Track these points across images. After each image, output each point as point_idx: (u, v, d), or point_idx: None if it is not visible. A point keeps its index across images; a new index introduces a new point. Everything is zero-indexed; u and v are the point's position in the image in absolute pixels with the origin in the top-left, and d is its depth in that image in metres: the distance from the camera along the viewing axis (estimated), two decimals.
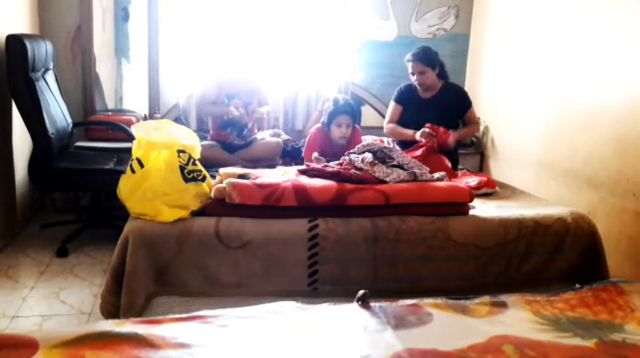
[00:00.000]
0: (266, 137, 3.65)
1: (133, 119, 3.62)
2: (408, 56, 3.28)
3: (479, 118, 4.17)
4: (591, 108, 3.03)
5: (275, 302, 1.44)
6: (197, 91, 3.76)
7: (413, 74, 3.28)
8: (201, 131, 3.54)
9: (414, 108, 3.37)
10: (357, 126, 3.46)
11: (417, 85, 3.32)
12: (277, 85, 4.14)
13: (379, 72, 4.30)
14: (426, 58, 3.24)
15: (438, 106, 3.29)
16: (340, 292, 2.15)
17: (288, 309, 1.41)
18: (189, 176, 2.17)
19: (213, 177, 2.42)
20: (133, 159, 2.16)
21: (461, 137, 3.36)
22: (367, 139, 3.52)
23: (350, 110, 3.28)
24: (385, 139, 3.63)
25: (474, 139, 4.23)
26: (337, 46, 4.20)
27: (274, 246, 2.14)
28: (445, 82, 3.37)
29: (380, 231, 2.21)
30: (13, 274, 2.82)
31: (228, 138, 3.42)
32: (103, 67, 3.93)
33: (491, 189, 2.89)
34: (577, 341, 1.33)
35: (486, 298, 1.53)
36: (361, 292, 1.48)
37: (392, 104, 3.49)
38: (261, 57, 3.77)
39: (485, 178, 2.95)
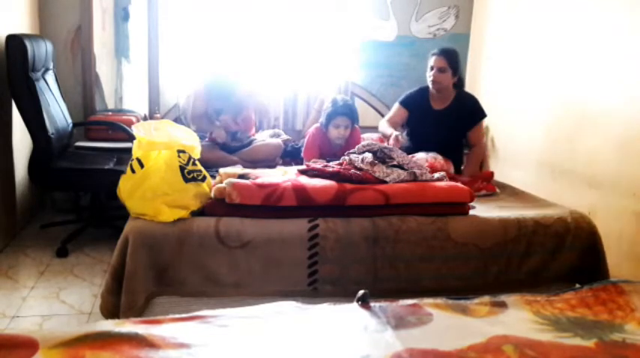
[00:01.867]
0: (266, 138, 3.65)
1: (133, 119, 3.62)
2: (435, 50, 3.14)
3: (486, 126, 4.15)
4: (591, 109, 3.03)
5: (275, 302, 1.44)
6: (184, 105, 3.73)
7: (432, 68, 3.11)
8: (201, 131, 3.53)
9: (422, 117, 3.22)
10: (357, 126, 3.46)
11: (431, 82, 3.13)
12: (274, 86, 4.14)
13: (379, 72, 4.30)
14: (452, 58, 3.10)
15: (448, 120, 3.15)
16: (340, 292, 2.15)
17: (288, 309, 1.41)
18: (189, 176, 2.17)
19: (213, 177, 2.42)
20: (133, 159, 2.16)
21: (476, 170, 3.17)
22: (367, 139, 3.53)
23: (348, 112, 3.27)
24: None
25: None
26: (337, 46, 4.20)
27: (274, 246, 2.14)
28: (459, 91, 3.21)
29: (380, 231, 2.21)
30: (13, 274, 2.82)
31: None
32: (103, 67, 3.93)
33: (491, 192, 2.89)
34: (577, 341, 1.33)
35: (486, 298, 1.53)
36: (361, 292, 1.47)
37: (396, 105, 3.34)
38: (253, 60, 3.73)
39: (487, 176, 2.96)
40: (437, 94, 3.20)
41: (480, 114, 3.23)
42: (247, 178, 2.31)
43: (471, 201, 2.41)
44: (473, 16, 4.36)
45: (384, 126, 3.29)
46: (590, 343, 1.32)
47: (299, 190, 2.22)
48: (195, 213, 2.20)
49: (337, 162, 2.62)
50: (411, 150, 3.10)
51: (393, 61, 4.17)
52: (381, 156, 2.52)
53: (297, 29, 4.14)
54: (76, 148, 3.50)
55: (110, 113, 3.82)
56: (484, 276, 2.31)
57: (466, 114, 3.16)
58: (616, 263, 2.64)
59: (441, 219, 2.30)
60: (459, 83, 3.22)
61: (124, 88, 4.09)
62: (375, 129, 3.81)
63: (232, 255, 2.12)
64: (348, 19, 4.17)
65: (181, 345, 1.19)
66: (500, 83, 4.03)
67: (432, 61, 3.13)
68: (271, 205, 2.19)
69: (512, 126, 3.86)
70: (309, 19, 4.14)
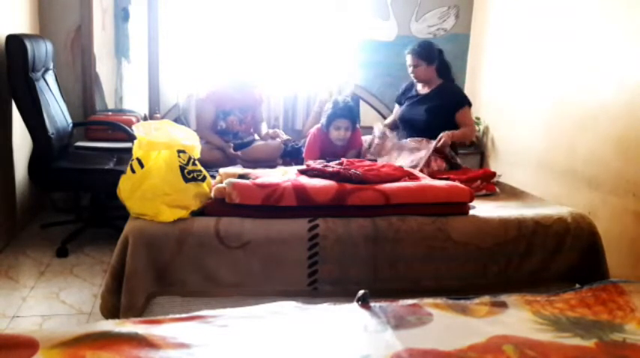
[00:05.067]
0: (266, 138, 3.65)
1: (133, 119, 3.62)
2: (407, 49, 3.33)
3: (478, 119, 4.18)
4: (591, 109, 3.03)
5: (275, 302, 1.44)
6: (193, 108, 3.75)
7: (410, 66, 3.32)
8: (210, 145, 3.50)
9: (409, 101, 3.40)
10: (358, 126, 3.46)
11: (413, 79, 3.36)
12: (276, 87, 4.14)
13: (379, 72, 4.30)
14: (421, 52, 3.25)
15: (430, 102, 3.28)
16: (340, 292, 2.15)
17: (288, 309, 1.41)
18: (189, 176, 2.17)
19: (213, 177, 2.42)
20: (133, 159, 2.16)
21: (455, 139, 3.23)
22: (367, 139, 3.53)
23: (348, 113, 3.27)
24: None
25: (473, 139, 4.22)
26: (337, 46, 4.20)
27: (274, 246, 2.14)
28: (444, 81, 3.34)
29: (380, 231, 2.21)
30: (13, 274, 2.82)
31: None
32: (103, 67, 3.93)
33: (491, 192, 2.89)
34: (577, 341, 1.33)
35: (486, 298, 1.53)
36: (361, 292, 1.48)
37: (395, 106, 3.58)
38: (257, 62, 3.74)
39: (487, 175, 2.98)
40: (423, 83, 3.39)
41: (463, 99, 3.33)
42: (247, 178, 2.31)
43: (471, 201, 2.41)
44: (473, 16, 4.36)
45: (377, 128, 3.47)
46: (590, 343, 1.32)
47: (299, 190, 2.22)
48: (195, 213, 2.19)
49: (337, 162, 2.62)
50: (402, 135, 3.34)
51: (393, 61, 4.16)
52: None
53: (297, 29, 4.14)
54: (76, 148, 3.50)
55: (110, 113, 3.82)
56: (484, 276, 2.31)
57: (448, 98, 3.27)
58: (616, 263, 2.64)
59: (441, 219, 2.30)
60: (443, 70, 3.34)
61: (124, 88, 4.09)
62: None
63: (232, 255, 2.12)
64: (348, 19, 4.17)
65: (181, 345, 1.19)
66: (500, 83, 4.03)
67: (408, 59, 3.33)
68: (271, 205, 2.19)
69: (512, 126, 3.86)
70: (309, 19, 4.14)
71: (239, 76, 3.46)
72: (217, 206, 2.21)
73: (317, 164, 2.58)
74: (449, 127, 3.21)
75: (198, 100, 3.57)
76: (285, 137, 3.66)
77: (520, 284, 2.27)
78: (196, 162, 2.26)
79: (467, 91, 4.00)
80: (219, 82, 3.51)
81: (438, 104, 3.26)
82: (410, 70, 3.31)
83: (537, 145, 3.54)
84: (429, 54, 3.26)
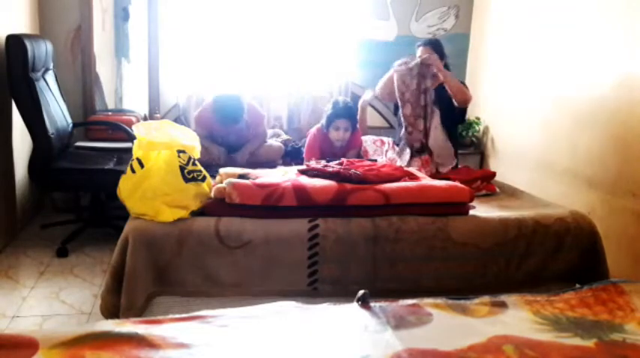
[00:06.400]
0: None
1: (133, 119, 3.62)
2: (419, 42, 3.31)
3: (478, 119, 4.19)
4: (591, 108, 3.03)
5: (275, 302, 1.44)
6: (193, 108, 3.74)
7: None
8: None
9: (416, 95, 3.29)
10: (358, 127, 3.45)
11: None
12: (276, 87, 4.14)
13: (379, 72, 4.25)
14: (436, 44, 3.26)
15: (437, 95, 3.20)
16: (340, 292, 2.15)
17: (288, 309, 1.41)
18: (189, 176, 2.17)
19: (213, 177, 2.42)
20: (133, 159, 2.16)
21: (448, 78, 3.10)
22: (367, 140, 3.53)
23: (348, 114, 3.26)
24: (386, 140, 3.63)
25: (473, 139, 4.23)
26: (337, 45, 4.20)
27: (274, 246, 2.14)
28: None
29: (380, 231, 2.21)
30: (13, 274, 2.82)
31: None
32: (103, 67, 3.93)
33: (491, 192, 2.89)
34: (577, 341, 1.33)
35: (486, 298, 1.53)
36: (361, 292, 1.48)
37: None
38: (253, 59, 3.63)
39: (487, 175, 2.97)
40: None
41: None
42: (247, 178, 2.32)
43: (471, 201, 2.41)
44: (473, 16, 4.36)
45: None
46: (590, 343, 1.32)
47: (299, 190, 2.22)
48: (195, 213, 2.20)
49: (337, 162, 2.62)
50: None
51: (392, 61, 4.14)
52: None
53: (297, 29, 4.14)
54: (76, 148, 3.50)
55: (110, 113, 3.82)
56: (484, 276, 2.31)
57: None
58: (616, 263, 2.64)
59: (441, 219, 2.30)
60: (447, 69, 3.29)
61: (124, 88, 4.09)
62: (375, 129, 3.82)
63: (232, 255, 2.12)
64: (348, 19, 4.17)
65: (181, 345, 1.19)
66: (500, 83, 4.02)
67: (419, 51, 3.27)
68: (271, 205, 2.19)
69: (512, 126, 3.86)
70: (310, 19, 4.14)
71: (223, 108, 3.14)
72: (217, 206, 2.21)
73: (317, 164, 2.58)
74: (453, 121, 3.23)
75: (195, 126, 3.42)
76: (284, 137, 3.65)
77: (520, 284, 2.27)
78: (196, 162, 2.27)
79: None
80: (205, 109, 3.28)
81: (443, 96, 3.15)
82: None
83: (537, 145, 3.54)
84: (442, 49, 3.27)
